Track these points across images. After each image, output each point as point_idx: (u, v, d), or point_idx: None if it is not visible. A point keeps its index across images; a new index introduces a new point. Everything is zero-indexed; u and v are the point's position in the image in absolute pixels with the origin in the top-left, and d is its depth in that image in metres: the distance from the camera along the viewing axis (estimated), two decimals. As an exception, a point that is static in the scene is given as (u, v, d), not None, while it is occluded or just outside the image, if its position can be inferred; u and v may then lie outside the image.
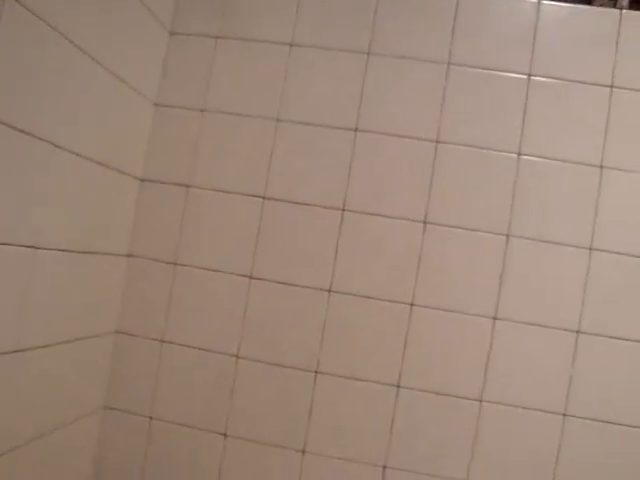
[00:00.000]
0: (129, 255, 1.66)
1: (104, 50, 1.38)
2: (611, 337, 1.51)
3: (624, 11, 1.56)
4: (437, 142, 1.58)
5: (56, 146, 1.26)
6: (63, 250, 1.35)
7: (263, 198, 1.62)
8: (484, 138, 1.57)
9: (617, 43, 1.55)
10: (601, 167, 1.54)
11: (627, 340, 1.50)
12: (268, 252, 1.62)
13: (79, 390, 1.52)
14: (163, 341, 1.64)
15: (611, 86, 1.54)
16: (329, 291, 1.59)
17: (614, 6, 1.56)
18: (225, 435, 1.61)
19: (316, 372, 1.59)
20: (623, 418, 1.49)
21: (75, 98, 1.30)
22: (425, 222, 1.57)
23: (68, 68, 1.26)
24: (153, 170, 1.67)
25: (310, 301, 1.59)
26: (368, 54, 1.61)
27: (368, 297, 1.58)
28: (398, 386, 1.56)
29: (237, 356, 1.61)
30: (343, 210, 1.60)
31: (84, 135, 1.36)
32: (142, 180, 1.67)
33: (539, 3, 1.57)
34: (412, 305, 1.56)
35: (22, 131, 1.14)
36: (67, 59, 1.25)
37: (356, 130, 1.60)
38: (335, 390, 1.58)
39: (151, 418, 1.64)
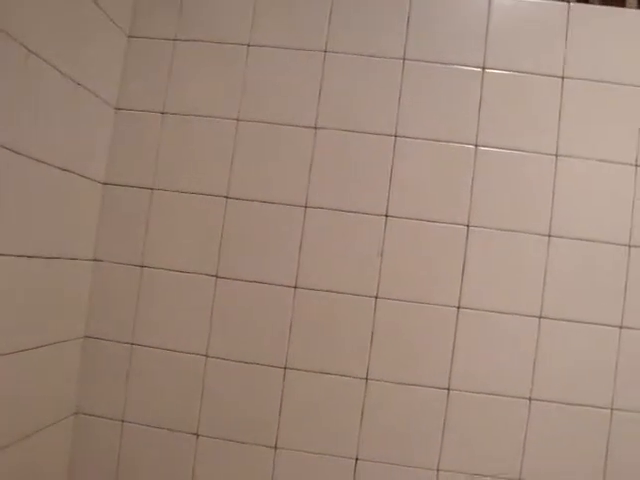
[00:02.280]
0: (95, 259, 1.66)
1: (62, 55, 1.39)
2: (572, 321, 1.54)
3: (572, 4, 1.60)
4: (395, 136, 1.60)
5: (16, 152, 1.26)
6: (28, 256, 1.35)
7: (226, 198, 1.63)
8: (441, 131, 1.60)
9: (567, 35, 1.59)
10: (556, 155, 1.57)
11: (588, 323, 1.54)
12: (233, 251, 1.63)
13: (50, 396, 1.51)
14: (132, 344, 1.64)
15: (562, 77, 1.58)
16: (295, 287, 1.60)
17: (563, -1, 1.61)
18: (197, 435, 1.61)
19: (285, 368, 1.60)
20: (586, 399, 1.53)
21: (35, 104, 1.30)
22: (387, 215, 1.59)
23: (26, 74, 1.26)
24: (116, 174, 1.67)
25: (276, 298, 1.61)
26: (325, 52, 1.63)
27: (333, 291, 1.60)
28: (366, 379, 1.58)
29: (206, 355, 1.62)
30: (306, 207, 1.61)
31: (45, 140, 1.36)
32: (105, 184, 1.67)
33: (490, -3, 1.61)
34: (377, 298, 1.58)
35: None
36: (25, 65, 1.25)
37: (316, 127, 1.62)
38: (305, 385, 1.59)
39: (123, 421, 1.63)
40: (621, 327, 1.53)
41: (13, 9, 1.20)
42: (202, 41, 1.67)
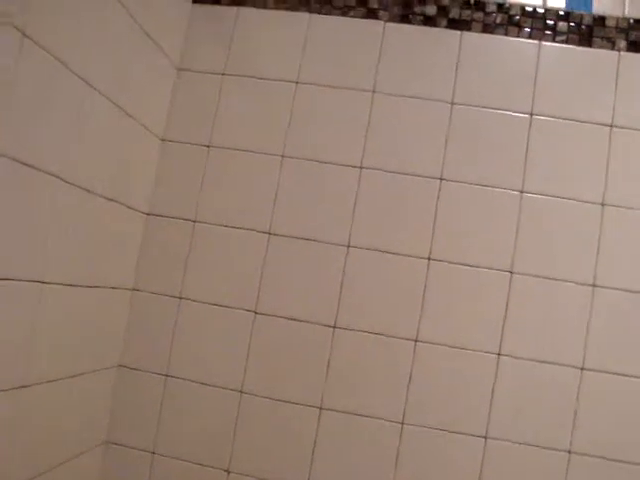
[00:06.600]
0: (134, 289, 1.66)
1: (113, 86, 1.40)
2: (615, 374, 1.51)
3: (622, 53, 1.59)
4: (441, 179, 1.60)
5: (64, 181, 1.27)
6: (69, 285, 1.35)
7: (269, 234, 1.64)
8: (487, 176, 1.59)
9: (616, 84, 1.58)
10: (602, 205, 1.56)
11: (631, 377, 1.51)
12: (273, 287, 1.62)
13: (81, 425, 1.51)
14: (167, 375, 1.64)
15: (611, 125, 1.57)
16: (334, 327, 1.59)
17: (612, 48, 1.60)
18: (228, 471, 1.60)
19: (320, 408, 1.58)
20: (627, 455, 1.49)
21: (84, 133, 1.32)
22: (429, 259, 1.58)
23: (77, 104, 1.28)
24: (159, 204, 1.68)
25: (315, 337, 1.60)
26: (373, 92, 1.64)
27: (372, 333, 1.58)
28: (402, 423, 1.56)
29: (241, 391, 1.61)
30: (348, 246, 1.61)
31: (92, 170, 1.38)
32: (148, 214, 1.68)
33: (540, 45, 1.61)
34: (416, 341, 1.57)
35: (31, 166, 1.15)
36: (77, 95, 1.27)
37: (361, 167, 1.62)
38: (339, 426, 1.57)
39: (153, 453, 1.62)
40: (666, 382, 1.51)
41: (70, 40, 1.22)
42: (250, 76, 1.68)
